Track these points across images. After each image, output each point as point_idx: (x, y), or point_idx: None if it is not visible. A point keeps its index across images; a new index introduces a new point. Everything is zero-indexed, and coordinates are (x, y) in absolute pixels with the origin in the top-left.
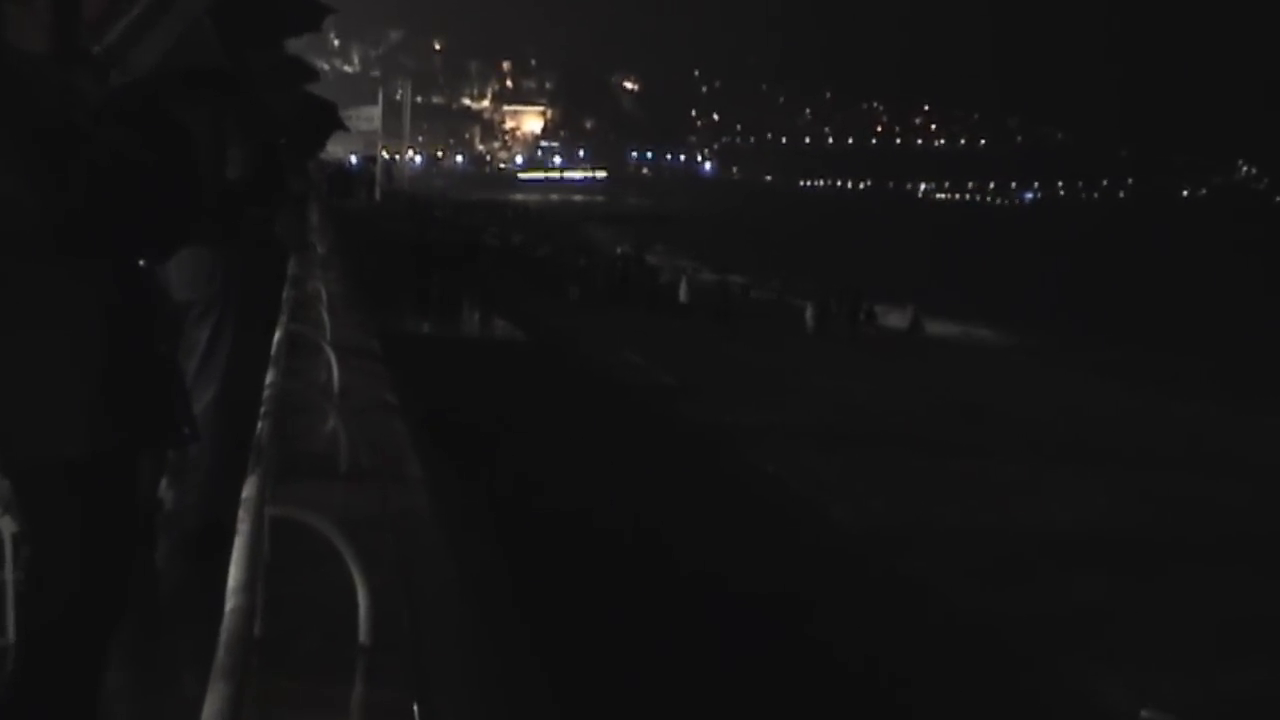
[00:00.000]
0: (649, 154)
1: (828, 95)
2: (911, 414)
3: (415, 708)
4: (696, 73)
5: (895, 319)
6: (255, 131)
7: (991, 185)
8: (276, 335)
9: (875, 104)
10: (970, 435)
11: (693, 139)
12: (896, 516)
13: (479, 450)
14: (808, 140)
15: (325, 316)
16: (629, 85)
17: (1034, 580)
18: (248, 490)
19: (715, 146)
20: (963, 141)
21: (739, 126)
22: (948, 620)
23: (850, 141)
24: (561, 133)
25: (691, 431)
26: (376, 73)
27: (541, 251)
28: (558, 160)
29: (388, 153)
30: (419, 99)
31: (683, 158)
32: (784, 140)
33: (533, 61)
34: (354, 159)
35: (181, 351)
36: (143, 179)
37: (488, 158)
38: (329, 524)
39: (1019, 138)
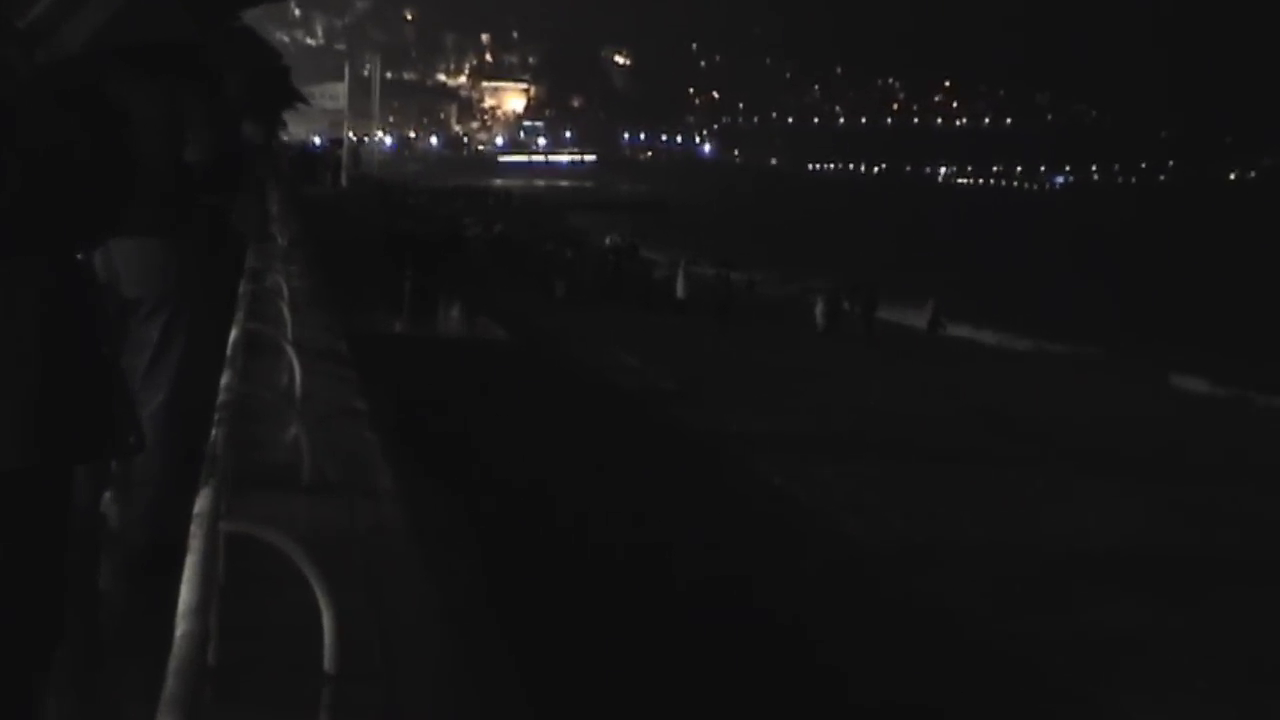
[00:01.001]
0: (642, 135)
1: (838, 70)
2: (931, 420)
3: None
4: (694, 46)
5: (912, 316)
6: (217, 111)
7: (1019, 168)
8: (233, 334)
9: (890, 80)
10: (995, 444)
11: (690, 119)
12: (915, 532)
13: (458, 460)
14: (816, 120)
15: (286, 314)
16: (620, 60)
17: (1066, 601)
18: (200, 504)
19: (715, 127)
20: (987, 120)
21: (741, 105)
22: (973, 645)
23: (863, 121)
24: (546, 112)
25: (691, 439)
26: (342, 46)
27: (550, 248)
28: (542, 142)
29: (355, 134)
30: (389, 75)
31: (680, 139)
32: (790, 120)
33: (515, 34)
34: (318, 140)
35: (129, 351)
36: (80, 165)
37: (465, 139)
38: (290, 541)
39: (1049, 116)
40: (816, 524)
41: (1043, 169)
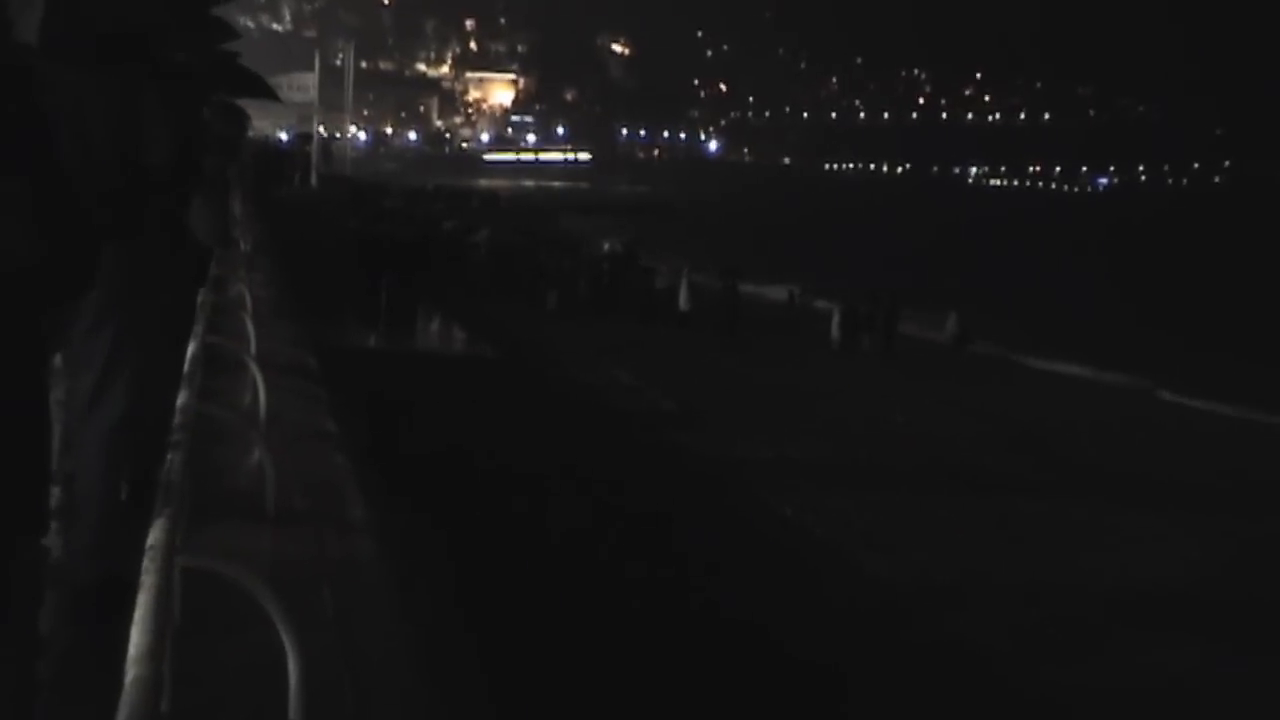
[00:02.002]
0: (642, 131)
1: (858, 60)
2: (958, 446)
3: None
4: (699, 33)
5: (937, 330)
6: (178, 105)
7: (1057, 169)
8: (191, 349)
9: (916, 71)
10: (1028, 471)
11: (695, 114)
12: (942, 570)
13: (436, 487)
14: (834, 115)
15: (250, 326)
16: (618, 48)
17: (1111, 647)
18: (154, 536)
19: (722, 122)
20: (1022, 116)
21: (751, 98)
22: (1009, 696)
23: (885, 116)
24: (537, 106)
25: (695, 466)
26: (312, 32)
27: (541, 255)
28: (532, 139)
29: (326, 129)
30: (363, 64)
31: (683, 136)
32: (805, 115)
33: (502, 19)
34: (285, 137)
35: (73, 369)
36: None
37: (447, 135)
38: (253, 576)
39: (1091, 111)
40: (832, 559)
41: (1084, 169)
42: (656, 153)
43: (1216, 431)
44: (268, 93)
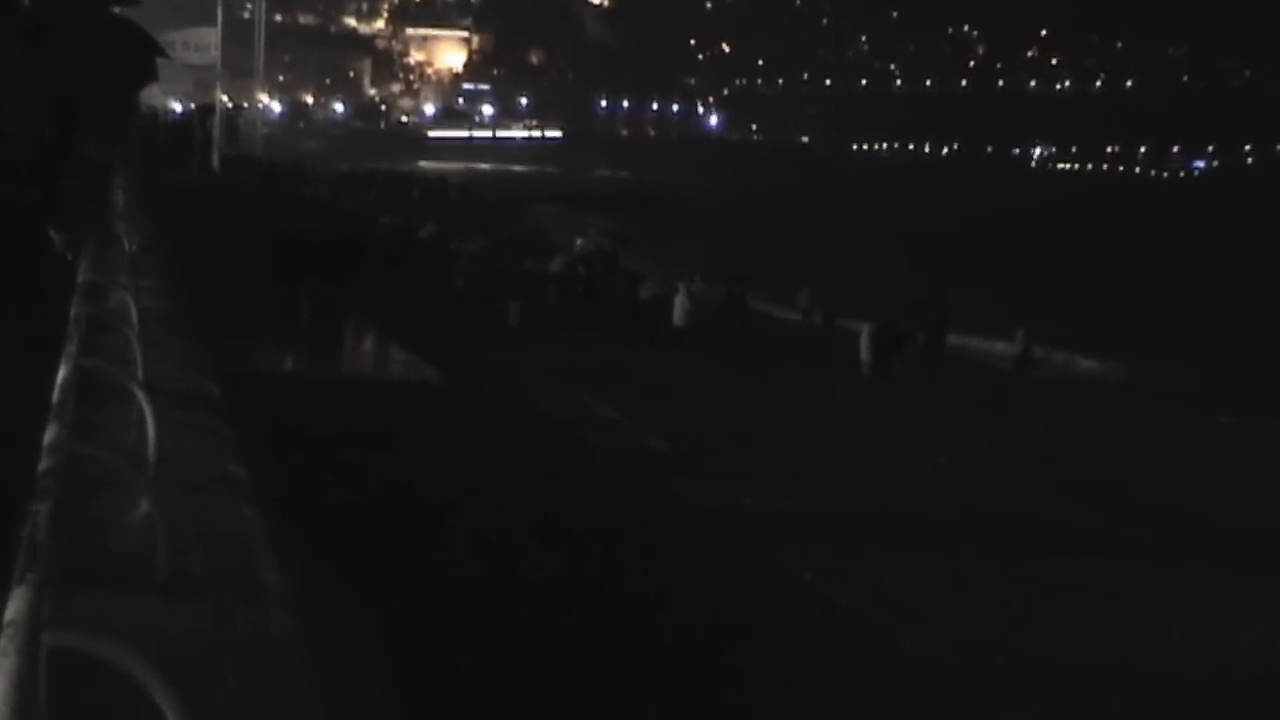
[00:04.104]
0: (625, 103)
1: (894, 14)
2: (1015, 494)
3: None
4: None
5: (994, 349)
6: (50, 71)
7: (1142, 149)
8: (60, 373)
9: (966, 27)
10: (1106, 526)
11: (691, 81)
12: (999, 648)
13: (369, 546)
14: (864, 82)
15: (136, 346)
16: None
17: None
18: (13, 607)
19: (725, 92)
20: (1099, 84)
21: (760, 62)
22: None
23: (929, 85)
24: (495, 71)
25: (691, 518)
26: None
27: (501, 257)
28: (488, 112)
29: (231, 99)
30: (278, 18)
31: (676, 108)
32: (828, 83)
33: None
34: (179, 108)
35: None
36: None
37: (383, 107)
38: (138, 658)
39: (1185, 77)
40: (863, 635)
41: (1176, 149)
42: (652, 131)
43: None
44: (157, 53)
